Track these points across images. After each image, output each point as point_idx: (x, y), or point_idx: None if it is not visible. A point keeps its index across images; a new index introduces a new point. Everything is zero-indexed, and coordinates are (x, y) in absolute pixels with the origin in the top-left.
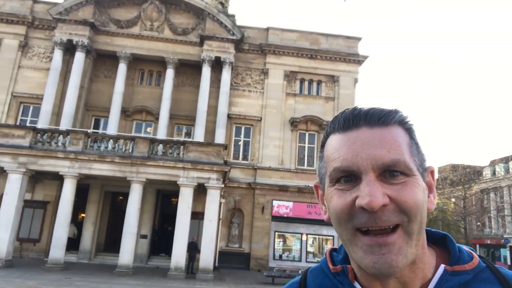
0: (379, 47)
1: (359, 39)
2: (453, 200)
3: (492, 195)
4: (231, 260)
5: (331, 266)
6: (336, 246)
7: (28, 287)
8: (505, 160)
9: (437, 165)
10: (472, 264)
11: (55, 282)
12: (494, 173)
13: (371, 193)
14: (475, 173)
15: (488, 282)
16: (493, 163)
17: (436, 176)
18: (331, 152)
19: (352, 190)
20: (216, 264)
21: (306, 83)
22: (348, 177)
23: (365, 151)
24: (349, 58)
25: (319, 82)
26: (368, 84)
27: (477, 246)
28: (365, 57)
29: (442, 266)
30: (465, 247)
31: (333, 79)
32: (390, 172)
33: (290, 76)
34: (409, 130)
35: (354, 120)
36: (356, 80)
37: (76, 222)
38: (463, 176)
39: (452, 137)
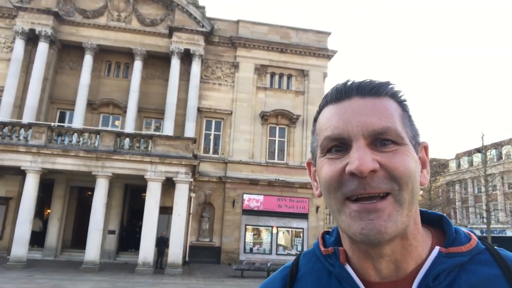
0: (348, 41)
1: (328, 33)
2: (420, 192)
3: (457, 187)
4: (201, 254)
5: (322, 249)
6: (305, 238)
7: None
8: (469, 153)
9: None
10: (469, 245)
11: (15, 280)
12: (459, 165)
13: (360, 157)
14: (440, 165)
15: (486, 264)
16: (458, 156)
17: None
18: (323, 123)
19: (342, 158)
20: (187, 259)
21: (276, 77)
22: (339, 146)
23: (356, 119)
24: (318, 53)
25: (289, 76)
26: (337, 79)
27: None
28: (334, 52)
29: (437, 248)
30: (463, 229)
31: (303, 73)
32: (381, 141)
33: (260, 70)
34: (401, 103)
35: (346, 91)
36: (325, 75)
37: (42, 217)
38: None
39: (420, 130)
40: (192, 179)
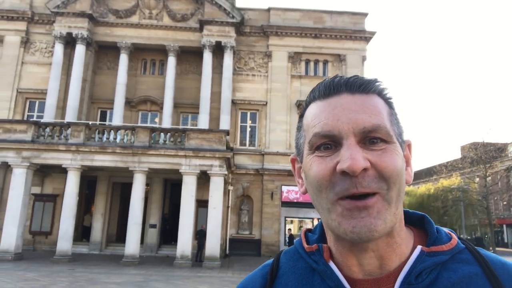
0: (388, 22)
1: (365, 14)
2: (477, 179)
3: None
4: (242, 247)
5: (306, 246)
6: None
7: (25, 279)
8: None
9: (460, 144)
10: (450, 245)
11: (55, 274)
12: None
13: (352, 156)
14: (497, 150)
15: (466, 263)
16: None
17: (458, 155)
18: (311, 119)
19: (332, 156)
20: (227, 252)
21: (311, 64)
22: (328, 144)
23: (346, 116)
24: (355, 35)
25: (325, 62)
26: (378, 61)
27: (504, 226)
28: (373, 33)
29: (419, 247)
30: (445, 229)
31: (339, 58)
32: (370, 139)
33: (294, 58)
34: (388, 101)
35: (335, 87)
36: (364, 58)
37: (90, 213)
38: (483, 154)
39: (475, 115)
40: (226, 172)
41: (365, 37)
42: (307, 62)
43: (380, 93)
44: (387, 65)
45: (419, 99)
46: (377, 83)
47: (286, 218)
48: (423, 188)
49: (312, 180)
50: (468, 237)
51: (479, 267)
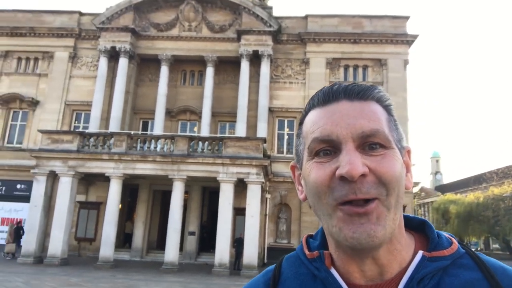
0: (431, 24)
1: (407, 18)
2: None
3: None
4: (280, 256)
5: (307, 252)
6: None
7: (69, 284)
8: None
9: None
10: (451, 249)
11: (96, 280)
12: None
13: (351, 161)
14: None
15: (467, 268)
16: None
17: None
18: (310, 125)
19: (331, 162)
20: (265, 261)
21: (350, 70)
22: (327, 150)
23: (345, 121)
24: (396, 39)
25: (364, 67)
26: (422, 65)
27: None
28: (415, 37)
29: (420, 252)
30: (444, 233)
31: (380, 63)
32: (369, 145)
33: (333, 64)
34: (386, 108)
35: (333, 94)
36: (406, 62)
37: (132, 220)
38: None
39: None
40: (263, 180)
41: (406, 40)
42: (346, 67)
43: (379, 100)
44: (431, 67)
45: (468, 101)
46: (376, 90)
47: None
48: (472, 196)
49: (312, 186)
50: None
51: (480, 273)
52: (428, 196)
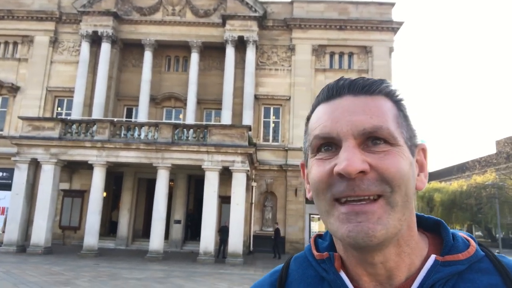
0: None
1: (392, 4)
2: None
3: None
4: (265, 244)
5: (315, 253)
6: None
7: (50, 273)
8: None
9: (495, 139)
10: (468, 253)
11: (79, 268)
12: None
13: (348, 157)
14: None
15: (486, 273)
16: None
17: (493, 150)
18: (313, 122)
19: (332, 159)
20: (251, 248)
21: (336, 57)
22: (329, 145)
23: (346, 118)
24: (382, 26)
25: (350, 54)
26: (407, 53)
27: None
28: (400, 24)
29: (433, 256)
30: (462, 234)
31: (365, 50)
32: (372, 140)
33: (318, 51)
34: (397, 103)
35: (337, 89)
36: (391, 49)
37: (118, 208)
38: None
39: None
40: (249, 168)
41: (392, 27)
42: (332, 54)
43: (388, 94)
44: (416, 55)
45: (451, 91)
46: (384, 84)
47: (311, 215)
48: (455, 184)
49: (312, 184)
50: (504, 237)
51: (499, 277)
52: None
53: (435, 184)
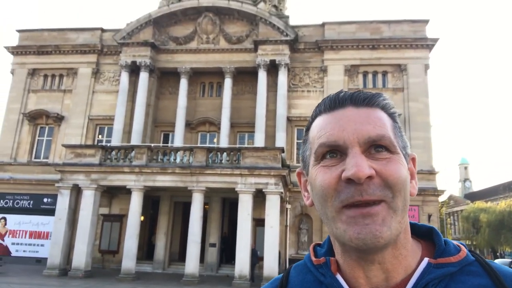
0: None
1: (426, 21)
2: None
3: None
4: None
5: (313, 259)
6: None
7: None
8: None
9: None
10: (459, 256)
11: None
12: None
13: (357, 163)
14: None
15: (476, 275)
16: None
17: None
18: (317, 131)
19: (338, 166)
20: None
21: (369, 76)
22: (334, 153)
23: (352, 126)
24: (416, 44)
25: (384, 73)
26: (444, 69)
27: None
28: (435, 40)
29: (426, 259)
30: (454, 242)
31: (400, 68)
32: (375, 148)
33: (351, 71)
34: (391, 115)
35: (340, 100)
36: (427, 67)
37: (155, 232)
38: None
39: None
40: (282, 190)
41: (426, 44)
42: (365, 74)
43: (384, 107)
44: (454, 71)
45: (493, 106)
46: (381, 98)
47: None
48: (503, 204)
49: (318, 190)
50: None
51: (489, 279)
52: (457, 204)
53: (480, 204)
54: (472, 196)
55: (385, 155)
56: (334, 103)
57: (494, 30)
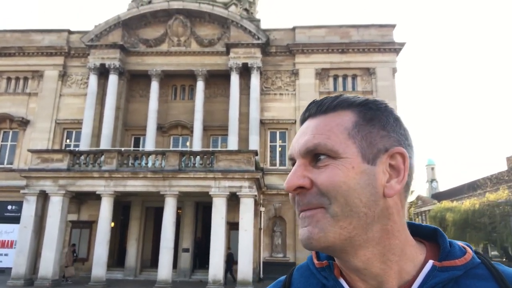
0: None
1: (393, 26)
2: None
3: None
4: (276, 271)
5: (316, 262)
6: None
7: None
8: None
9: (505, 155)
10: (464, 259)
11: None
12: None
13: (288, 176)
14: None
15: (481, 279)
16: None
17: (504, 167)
18: None
19: None
20: (261, 276)
21: (340, 79)
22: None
23: (297, 140)
24: (384, 48)
25: (354, 77)
26: (411, 72)
27: None
28: (402, 45)
29: (430, 262)
30: (459, 242)
31: (369, 72)
32: (318, 156)
33: (322, 74)
34: (362, 113)
35: (306, 112)
36: (394, 70)
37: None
38: None
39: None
40: (256, 193)
41: (394, 48)
42: (335, 77)
43: (350, 106)
44: (421, 74)
45: (458, 108)
46: (342, 99)
47: None
48: (467, 203)
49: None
50: None
51: (495, 283)
52: (425, 204)
53: (446, 203)
54: (439, 196)
55: (325, 162)
56: (303, 116)
57: (458, 34)
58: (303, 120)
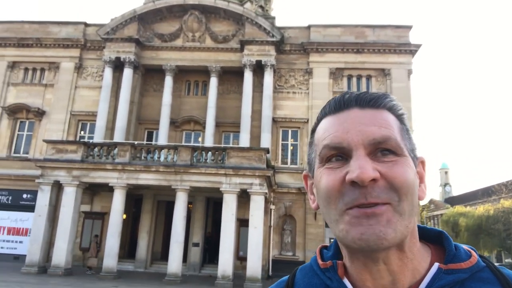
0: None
1: (409, 27)
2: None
3: None
4: (285, 269)
5: (320, 262)
6: None
7: None
8: None
9: None
10: (470, 262)
11: None
12: None
13: (361, 165)
14: None
15: (487, 282)
16: None
17: None
18: (321, 133)
19: (342, 168)
20: (270, 273)
21: (354, 80)
22: (339, 156)
23: (356, 128)
24: (399, 49)
25: (368, 77)
26: (427, 75)
27: None
28: (418, 46)
29: (436, 264)
30: (464, 246)
31: (383, 73)
32: (381, 151)
33: (336, 74)
34: (399, 117)
35: (345, 102)
36: (410, 72)
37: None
38: None
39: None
40: (267, 190)
41: (410, 50)
42: (349, 77)
43: (391, 109)
44: (436, 77)
45: (474, 112)
46: (388, 99)
47: (331, 239)
48: (481, 209)
49: (322, 192)
50: None
51: (500, 286)
52: (437, 208)
53: (460, 208)
54: (452, 201)
55: (391, 157)
56: (339, 105)
57: (475, 38)
58: (338, 109)
